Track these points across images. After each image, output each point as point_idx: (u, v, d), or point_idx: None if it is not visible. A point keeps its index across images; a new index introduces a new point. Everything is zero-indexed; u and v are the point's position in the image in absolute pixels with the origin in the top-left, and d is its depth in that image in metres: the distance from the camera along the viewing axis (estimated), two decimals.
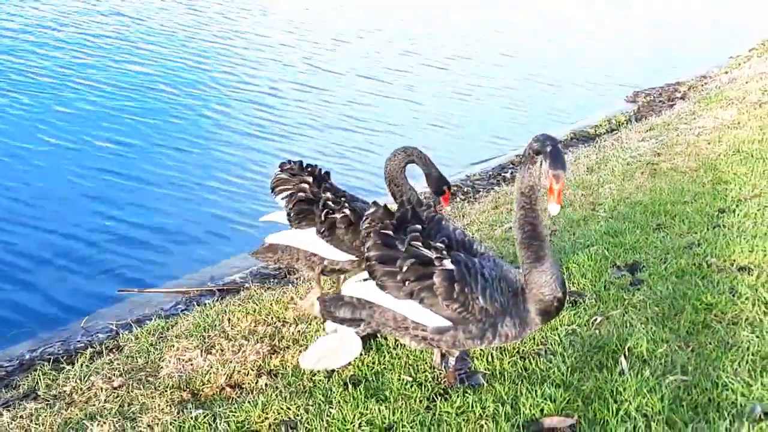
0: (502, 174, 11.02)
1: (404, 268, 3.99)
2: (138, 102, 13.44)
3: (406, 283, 4.01)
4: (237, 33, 19.16)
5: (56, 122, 12.09)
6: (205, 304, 7.02)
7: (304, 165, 5.44)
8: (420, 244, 4.03)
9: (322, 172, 5.45)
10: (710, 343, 4.43)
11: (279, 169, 5.46)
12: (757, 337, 4.44)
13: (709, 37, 22.81)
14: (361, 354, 4.84)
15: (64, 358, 6.43)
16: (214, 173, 10.82)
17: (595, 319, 4.95)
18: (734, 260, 5.53)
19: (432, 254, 4.00)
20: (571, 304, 5.13)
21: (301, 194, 5.22)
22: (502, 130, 13.44)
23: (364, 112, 14.02)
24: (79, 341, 7.08)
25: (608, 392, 4.06)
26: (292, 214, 5.26)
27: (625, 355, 4.44)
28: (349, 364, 4.79)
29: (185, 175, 10.66)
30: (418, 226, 4.10)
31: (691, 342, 4.51)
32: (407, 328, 4.15)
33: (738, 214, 6.37)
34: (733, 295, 4.96)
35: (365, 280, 4.32)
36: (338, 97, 14.75)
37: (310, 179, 5.27)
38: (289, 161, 5.48)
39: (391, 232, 4.09)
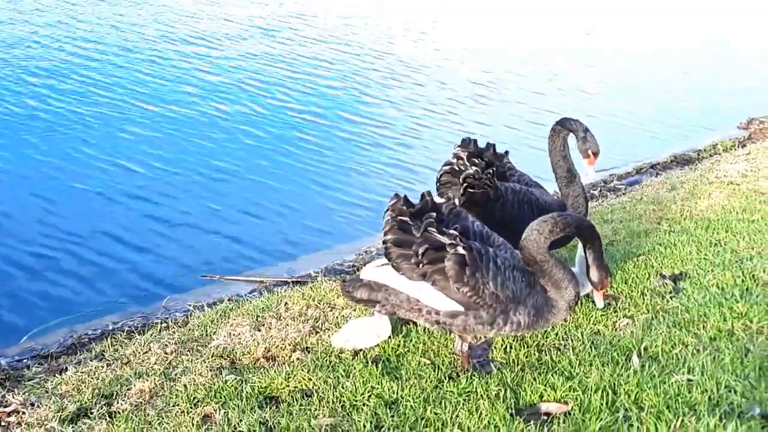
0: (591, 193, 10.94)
1: (419, 252, 4.21)
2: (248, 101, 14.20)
3: (420, 265, 4.24)
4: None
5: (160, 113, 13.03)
6: (274, 291, 7.42)
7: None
8: (434, 230, 4.24)
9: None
10: (729, 349, 4.40)
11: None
12: None
13: None
14: (389, 337, 5.07)
15: (139, 330, 6.97)
16: (312, 176, 11.28)
17: (622, 321, 4.98)
18: None
19: (446, 240, 4.21)
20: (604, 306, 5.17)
21: None
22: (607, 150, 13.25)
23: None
24: (157, 317, 7.61)
25: (609, 385, 4.13)
26: None
27: (639, 354, 4.48)
28: (377, 345, 5.03)
29: (279, 174, 11.20)
30: (434, 213, 4.33)
31: (709, 347, 4.49)
32: (420, 310, 4.37)
33: None
34: None
35: (383, 264, 4.57)
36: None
37: None
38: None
39: (407, 218, 4.33)
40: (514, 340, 4.81)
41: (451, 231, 4.25)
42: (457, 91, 16.16)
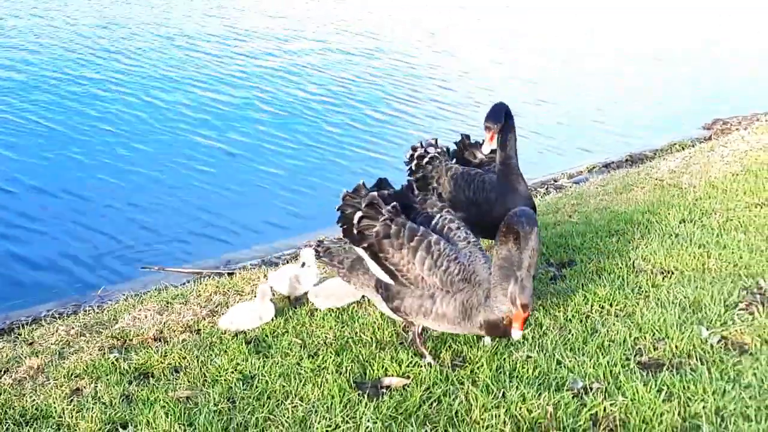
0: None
1: (355, 220, 4.36)
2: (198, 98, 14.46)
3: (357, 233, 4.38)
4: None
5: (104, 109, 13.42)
6: (202, 281, 7.63)
7: None
8: (378, 204, 4.33)
9: None
10: (578, 329, 4.58)
11: None
12: (626, 326, 4.55)
13: None
14: (272, 320, 5.28)
15: (67, 316, 7.19)
16: (257, 171, 11.48)
17: None
18: (660, 263, 5.58)
19: (383, 213, 4.30)
20: None
21: None
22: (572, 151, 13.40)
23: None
24: (90, 306, 7.83)
25: (448, 362, 4.33)
26: None
27: None
28: (258, 327, 5.23)
29: (220, 169, 11.43)
30: (383, 192, 4.44)
31: (563, 327, 4.67)
32: (367, 273, 4.55)
33: (696, 225, 6.36)
34: (632, 291, 5.06)
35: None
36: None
37: None
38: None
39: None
40: (380, 318, 5.00)
41: (389, 207, 4.30)
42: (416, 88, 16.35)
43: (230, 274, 8.37)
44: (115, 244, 9.26)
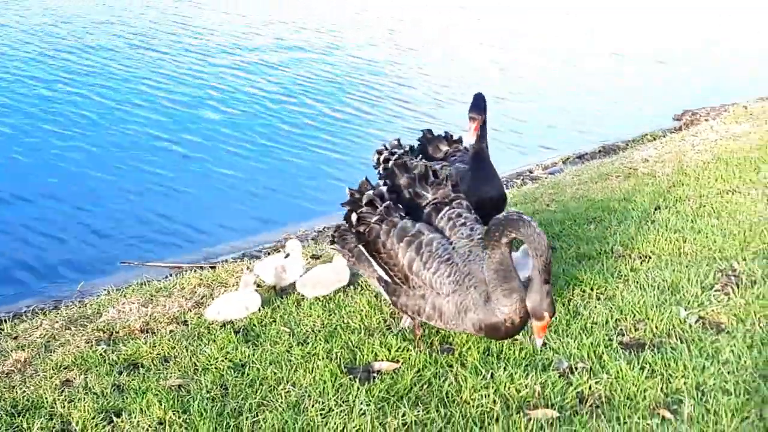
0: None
1: (353, 220, 4.40)
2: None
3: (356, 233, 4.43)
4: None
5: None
6: (184, 275, 7.65)
7: None
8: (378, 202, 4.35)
9: None
10: (561, 312, 4.69)
11: None
12: (607, 309, 4.67)
13: None
14: (259, 309, 5.34)
15: (48, 311, 7.17)
16: (235, 165, 11.50)
17: None
18: (639, 249, 5.73)
19: (379, 212, 4.30)
20: None
21: None
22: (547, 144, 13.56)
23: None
24: (70, 301, 7.82)
25: (437, 343, 4.44)
26: None
27: None
28: (246, 317, 5.29)
29: (199, 163, 11.43)
30: (381, 189, 4.42)
31: None
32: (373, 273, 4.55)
33: (671, 211, 6.52)
34: (612, 275, 5.19)
35: None
36: None
37: None
38: None
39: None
40: (366, 306, 5.09)
41: (383, 206, 4.31)
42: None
43: (212, 267, 8.40)
44: (93, 241, 9.22)
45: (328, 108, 14.57)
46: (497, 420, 3.66)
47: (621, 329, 4.48)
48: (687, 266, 5.22)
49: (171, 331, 5.29)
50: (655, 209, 6.67)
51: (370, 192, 4.38)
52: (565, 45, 21.21)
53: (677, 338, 4.28)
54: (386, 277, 4.34)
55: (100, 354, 4.95)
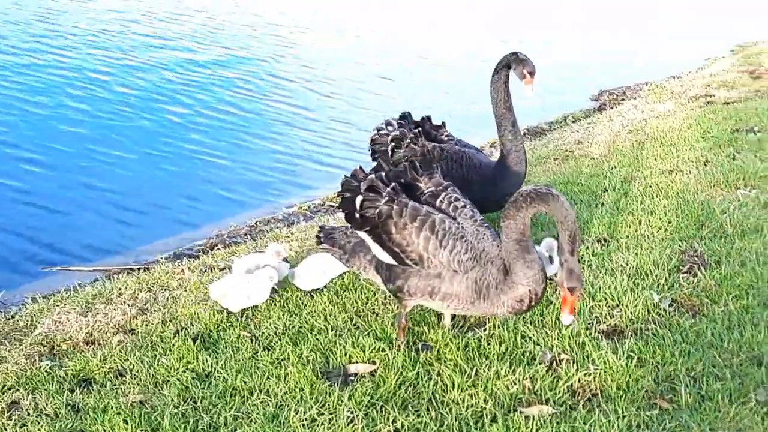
0: None
1: (357, 203, 4.19)
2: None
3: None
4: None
5: None
6: (115, 279, 7.24)
7: None
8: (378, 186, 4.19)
9: None
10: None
11: None
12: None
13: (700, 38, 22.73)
14: (227, 312, 5.03)
15: None
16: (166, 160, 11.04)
17: None
18: (594, 232, 5.70)
19: (384, 195, 4.14)
20: None
21: None
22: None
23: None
24: None
25: (412, 342, 4.27)
26: None
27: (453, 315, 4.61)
28: (201, 322, 4.99)
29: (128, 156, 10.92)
30: (381, 174, 4.29)
31: None
32: (367, 254, 4.39)
33: (618, 193, 6.53)
34: None
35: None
36: None
37: None
38: None
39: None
40: (334, 307, 4.87)
41: (389, 188, 4.16)
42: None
43: (146, 269, 8.00)
44: (8, 245, 8.67)
45: (253, 102, 14.15)
46: (494, 420, 3.52)
47: (596, 317, 4.42)
48: (648, 249, 5.21)
49: (120, 342, 4.94)
50: (603, 191, 6.67)
51: (372, 176, 4.22)
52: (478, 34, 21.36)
53: (655, 324, 4.25)
54: (391, 261, 4.16)
55: (45, 371, 4.57)
